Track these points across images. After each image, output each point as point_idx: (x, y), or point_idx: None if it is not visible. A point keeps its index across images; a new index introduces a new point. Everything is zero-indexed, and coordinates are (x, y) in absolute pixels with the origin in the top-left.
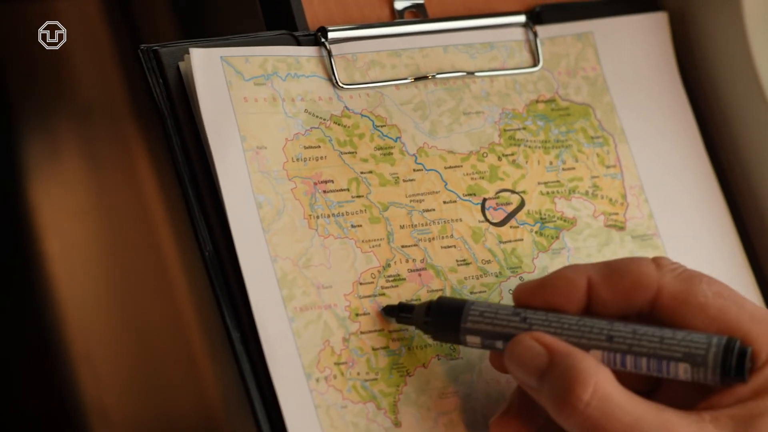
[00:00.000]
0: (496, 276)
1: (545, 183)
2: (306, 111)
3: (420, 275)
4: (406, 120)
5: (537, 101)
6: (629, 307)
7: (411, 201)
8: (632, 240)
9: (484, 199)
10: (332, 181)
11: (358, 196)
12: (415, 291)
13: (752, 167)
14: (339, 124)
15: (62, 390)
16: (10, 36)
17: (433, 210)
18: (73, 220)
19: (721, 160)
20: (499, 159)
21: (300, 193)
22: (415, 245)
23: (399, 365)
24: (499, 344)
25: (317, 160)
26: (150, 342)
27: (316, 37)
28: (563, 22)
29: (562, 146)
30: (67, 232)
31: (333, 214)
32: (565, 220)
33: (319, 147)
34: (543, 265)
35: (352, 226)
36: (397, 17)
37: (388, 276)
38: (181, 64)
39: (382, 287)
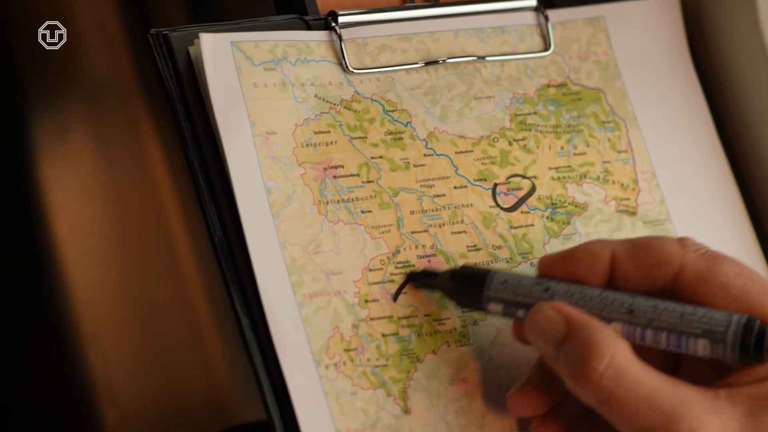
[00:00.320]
0: (507, 262)
1: (556, 168)
2: (316, 96)
3: (430, 261)
4: (417, 105)
5: (548, 86)
6: (651, 284)
7: (421, 186)
8: (644, 225)
9: (495, 185)
10: (342, 167)
11: (368, 182)
12: None
13: (765, 152)
14: (349, 109)
15: (70, 371)
16: (19, 17)
17: (444, 195)
18: (82, 200)
19: (733, 145)
20: (510, 144)
21: (310, 179)
22: (425, 231)
23: (409, 351)
24: (521, 313)
25: (327, 145)
26: (158, 323)
27: (327, 22)
28: (574, 6)
29: (574, 131)
30: (76, 213)
31: (343, 200)
32: (576, 206)
33: (329, 132)
34: (554, 250)
35: (362, 212)
36: (407, 1)
37: (398, 262)
38: (191, 49)
39: (392, 273)
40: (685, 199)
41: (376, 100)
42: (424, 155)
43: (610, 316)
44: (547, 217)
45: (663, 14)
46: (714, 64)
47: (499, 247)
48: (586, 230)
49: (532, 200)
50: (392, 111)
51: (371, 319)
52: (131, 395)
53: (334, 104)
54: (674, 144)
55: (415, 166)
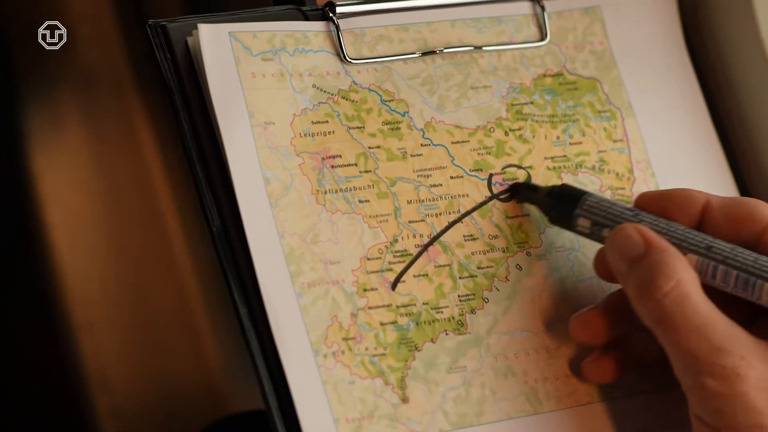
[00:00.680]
0: (503, 251)
1: (552, 158)
2: (314, 86)
3: (427, 251)
4: (414, 95)
5: (544, 75)
6: (737, 237)
7: (418, 176)
8: None
9: (491, 175)
10: (340, 156)
11: (366, 171)
12: (422, 266)
13: (760, 140)
14: (347, 99)
15: (63, 359)
16: (14, 10)
17: (441, 185)
18: (75, 190)
19: (728, 134)
20: (506, 134)
21: (308, 169)
22: (422, 220)
23: (407, 340)
24: (606, 233)
25: (325, 135)
26: (151, 311)
27: (324, 12)
28: None
29: (570, 120)
30: (69, 203)
31: (341, 190)
32: None
33: (327, 122)
34: (550, 240)
35: (360, 202)
36: None
37: (396, 251)
38: (189, 40)
39: (390, 263)
40: (681, 187)
41: (373, 90)
42: (422, 145)
43: (688, 248)
44: None
45: (658, 3)
46: (709, 52)
47: (496, 237)
48: None
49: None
50: (389, 101)
51: (369, 307)
52: (124, 383)
53: (332, 94)
54: (669, 133)
55: (412, 155)
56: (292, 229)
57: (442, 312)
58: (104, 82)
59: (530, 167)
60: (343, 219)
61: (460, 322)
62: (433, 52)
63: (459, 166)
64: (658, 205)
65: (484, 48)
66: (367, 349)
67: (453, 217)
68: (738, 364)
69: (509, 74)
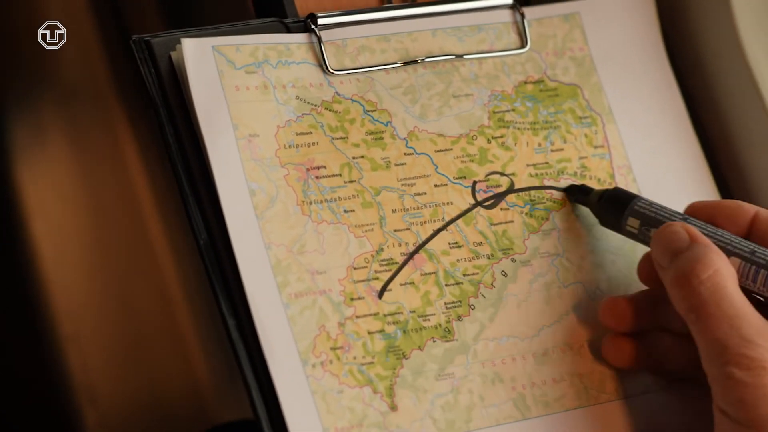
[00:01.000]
0: (488, 258)
1: (534, 165)
2: (297, 98)
3: (413, 259)
4: (397, 104)
5: (525, 82)
6: None
7: (402, 185)
8: None
9: (475, 182)
10: (324, 167)
11: (351, 181)
12: (408, 275)
13: (739, 143)
14: (330, 110)
15: (50, 372)
16: None
17: (425, 194)
18: (59, 202)
19: (709, 138)
20: (489, 141)
21: (293, 180)
22: (407, 229)
23: (395, 348)
24: (653, 232)
25: (309, 146)
26: (137, 323)
27: (306, 24)
28: (550, 3)
29: (551, 127)
30: (54, 215)
31: (326, 200)
32: (554, 201)
33: (311, 133)
34: (534, 246)
35: (345, 211)
36: (385, 2)
37: (382, 260)
38: (173, 54)
39: (376, 271)
40: (662, 192)
41: (356, 101)
42: (405, 154)
43: (732, 251)
44: (526, 213)
45: (637, 9)
46: (689, 57)
47: (480, 244)
48: (564, 225)
49: (511, 197)
50: (372, 111)
51: (357, 317)
52: (111, 396)
53: (315, 105)
54: (650, 138)
55: (396, 165)
56: (278, 240)
57: (429, 320)
58: (87, 94)
59: (513, 174)
60: (329, 229)
61: (447, 330)
62: (414, 62)
63: (443, 174)
64: (708, 214)
65: (465, 56)
66: (355, 358)
67: (438, 225)
68: (765, 357)
69: (490, 82)
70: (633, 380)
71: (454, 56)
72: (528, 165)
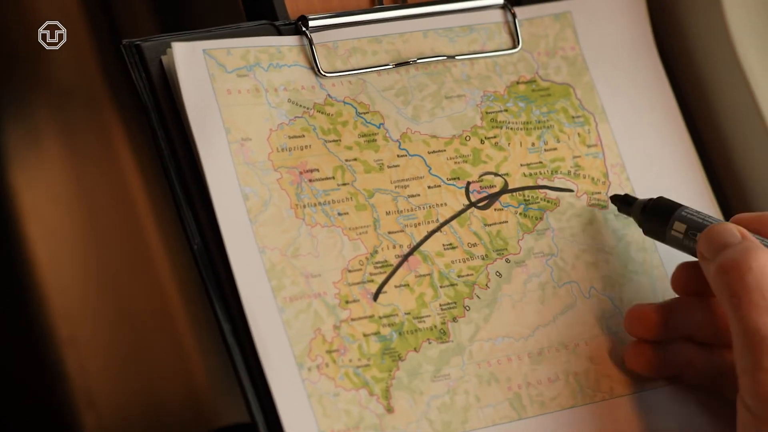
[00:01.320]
0: (483, 259)
1: (528, 165)
2: (289, 101)
3: (407, 261)
4: (389, 106)
5: (518, 82)
6: None
7: (396, 187)
8: (615, 218)
9: (468, 183)
10: (318, 170)
11: (344, 184)
12: (403, 277)
13: (731, 140)
14: (322, 113)
15: (47, 375)
16: None
17: (418, 195)
18: (54, 205)
19: (701, 135)
20: (482, 142)
21: (286, 183)
22: (401, 231)
23: (390, 350)
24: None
25: (302, 149)
26: (134, 326)
27: (297, 26)
28: (541, 3)
29: (544, 127)
30: (49, 218)
31: (319, 203)
32: (548, 201)
33: (304, 136)
34: (528, 246)
35: (339, 214)
36: (376, 3)
37: (376, 263)
38: (164, 58)
39: (371, 274)
40: (656, 191)
41: (348, 103)
42: (398, 156)
43: None
44: (520, 213)
45: (628, 7)
46: (680, 55)
47: (475, 245)
48: (558, 225)
49: (505, 197)
50: (365, 113)
51: (352, 319)
52: (109, 399)
53: (308, 108)
54: (643, 136)
55: (389, 167)
56: (272, 244)
57: (424, 321)
58: (81, 97)
59: (507, 174)
60: (323, 232)
61: (442, 331)
62: (406, 63)
63: (436, 176)
64: (754, 227)
65: (456, 57)
66: (350, 360)
67: (432, 226)
68: None
69: (483, 82)
70: (628, 379)
71: (445, 57)
72: (522, 165)
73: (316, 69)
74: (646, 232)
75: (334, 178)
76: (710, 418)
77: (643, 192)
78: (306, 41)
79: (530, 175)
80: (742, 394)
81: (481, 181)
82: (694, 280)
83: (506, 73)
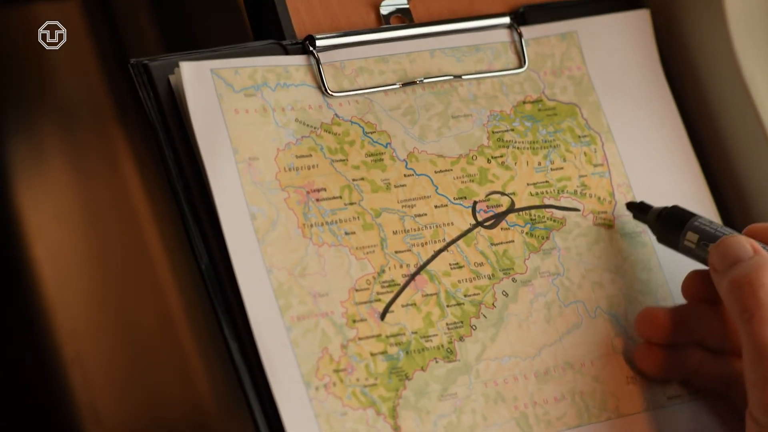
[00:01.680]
0: (489, 278)
1: (534, 184)
2: (296, 120)
3: (414, 280)
4: (396, 125)
5: (524, 102)
6: None
7: (403, 206)
8: (621, 238)
9: (475, 202)
10: (325, 189)
11: (351, 203)
12: (410, 296)
13: (736, 160)
14: (329, 132)
15: (54, 393)
16: None
17: (425, 215)
18: (60, 223)
19: (706, 154)
20: (489, 161)
21: (293, 203)
22: (408, 250)
23: (398, 369)
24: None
25: (309, 168)
26: (140, 343)
27: (304, 46)
28: (547, 23)
29: (550, 146)
30: (54, 236)
31: (327, 222)
32: (554, 221)
33: (311, 156)
34: (535, 265)
35: (346, 234)
36: (383, 22)
37: (383, 282)
38: (172, 78)
39: (378, 293)
40: None
41: (355, 123)
42: (405, 175)
43: None
44: (527, 233)
45: (634, 27)
46: (686, 74)
47: (481, 264)
48: (565, 244)
49: (511, 216)
50: (372, 132)
51: (359, 338)
52: (115, 416)
53: (315, 128)
54: (649, 156)
55: (396, 186)
56: (279, 264)
57: (431, 340)
58: (86, 115)
59: (513, 194)
60: (330, 251)
61: (449, 350)
62: (413, 83)
63: (443, 195)
64: (767, 239)
65: (463, 77)
66: (358, 379)
67: (439, 245)
68: None
69: (489, 102)
70: (634, 399)
71: (452, 77)
72: (528, 184)
73: (323, 88)
74: (660, 240)
75: (341, 197)
76: None
77: None
78: (313, 61)
79: (537, 194)
80: (751, 408)
81: (488, 200)
82: (704, 288)
83: (513, 92)
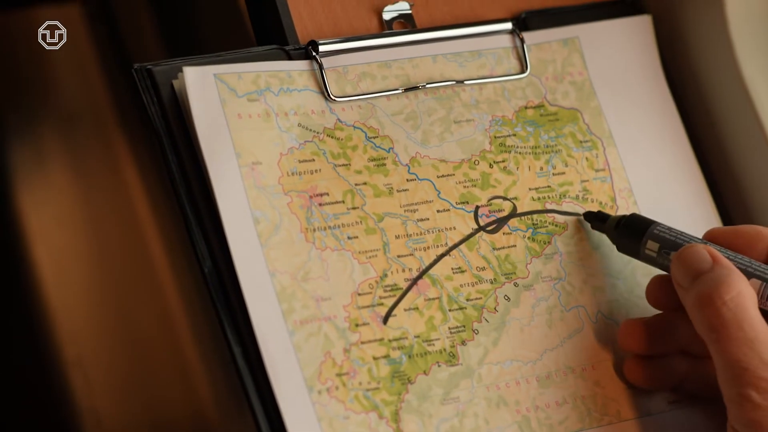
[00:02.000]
0: (491, 282)
1: (536, 189)
2: (299, 125)
3: (416, 284)
4: (398, 130)
5: (526, 107)
6: None
7: (405, 211)
8: None
9: (477, 207)
10: (327, 194)
11: (354, 208)
12: (412, 300)
13: (737, 165)
14: (332, 137)
15: (55, 395)
16: None
17: (427, 219)
18: (61, 227)
19: (708, 159)
20: (491, 166)
21: (296, 207)
22: (410, 255)
23: (400, 373)
24: (673, 255)
25: (312, 173)
26: (141, 346)
27: (307, 51)
28: (549, 28)
29: (552, 151)
30: (55, 240)
31: (329, 227)
32: (556, 225)
33: (314, 160)
34: (537, 270)
35: (349, 238)
36: (385, 28)
37: (386, 286)
38: (175, 83)
39: (380, 297)
40: (663, 214)
41: (358, 127)
42: (407, 180)
43: (753, 273)
44: (529, 238)
45: (636, 33)
46: (687, 80)
47: (483, 269)
48: (566, 249)
49: (513, 221)
50: (374, 137)
51: (362, 342)
52: (115, 418)
53: (318, 132)
54: (650, 160)
55: (398, 191)
56: (282, 268)
57: (433, 344)
58: (87, 118)
59: (515, 198)
60: (333, 256)
61: (451, 354)
62: (415, 88)
63: (445, 200)
64: (727, 240)
65: (465, 82)
66: (360, 383)
67: (441, 250)
68: None
69: (491, 107)
70: (635, 403)
71: (454, 82)
72: (530, 189)
73: (326, 93)
74: (621, 250)
75: (343, 202)
76: None
77: (651, 216)
78: (316, 66)
79: (538, 199)
80: (731, 421)
81: (490, 205)
82: (667, 294)
83: (515, 97)
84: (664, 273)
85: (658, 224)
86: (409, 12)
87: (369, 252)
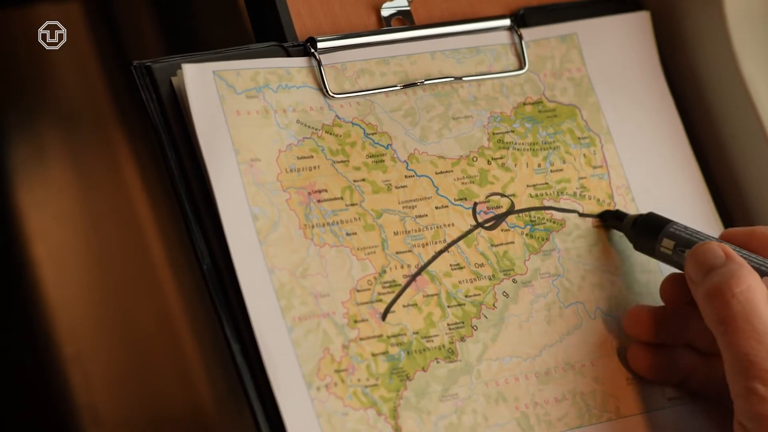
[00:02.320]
0: (490, 279)
1: (534, 185)
2: (298, 122)
3: (415, 281)
4: (397, 127)
5: (524, 103)
6: None
7: (404, 207)
8: (620, 239)
9: (476, 203)
10: (326, 191)
11: (352, 204)
12: (411, 296)
13: (736, 162)
14: (331, 134)
15: (53, 393)
16: None
17: (426, 216)
18: (60, 224)
19: (707, 156)
20: (489, 163)
21: (295, 204)
22: (409, 251)
23: (399, 370)
24: (688, 252)
25: (310, 170)
26: (140, 342)
27: (306, 48)
28: (547, 25)
29: (550, 148)
30: (55, 237)
31: (328, 223)
32: (554, 222)
33: (312, 157)
34: (535, 266)
35: (347, 234)
36: (384, 24)
37: (384, 282)
38: (174, 80)
39: (379, 293)
40: (660, 212)
41: (356, 124)
42: (406, 176)
43: (766, 272)
44: (527, 234)
45: (634, 29)
46: (685, 76)
47: (482, 265)
48: (564, 246)
49: (511, 218)
50: (373, 134)
51: (361, 339)
52: (114, 415)
53: (316, 129)
54: (648, 157)
55: (397, 187)
56: (281, 264)
57: (432, 341)
58: (87, 116)
59: (513, 195)
60: (332, 252)
61: (450, 350)
62: (414, 84)
63: (443, 196)
64: (743, 241)
65: (464, 78)
66: (359, 380)
67: (439, 246)
68: None
69: (490, 103)
70: (634, 400)
71: (453, 78)
72: (528, 186)
73: (324, 90)
74: (637, 248)
75: (342, 198)
76: None
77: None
78: (315, 63)
79: (536, 196)
80: (737, 416)
81: (488, 201)
82: (680, 291)
83: (513, 94)
84: (676, 271)
85: (675, 223)
86: (408, 9)
87: (367, 248)
